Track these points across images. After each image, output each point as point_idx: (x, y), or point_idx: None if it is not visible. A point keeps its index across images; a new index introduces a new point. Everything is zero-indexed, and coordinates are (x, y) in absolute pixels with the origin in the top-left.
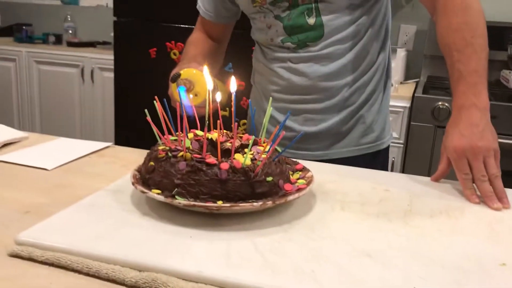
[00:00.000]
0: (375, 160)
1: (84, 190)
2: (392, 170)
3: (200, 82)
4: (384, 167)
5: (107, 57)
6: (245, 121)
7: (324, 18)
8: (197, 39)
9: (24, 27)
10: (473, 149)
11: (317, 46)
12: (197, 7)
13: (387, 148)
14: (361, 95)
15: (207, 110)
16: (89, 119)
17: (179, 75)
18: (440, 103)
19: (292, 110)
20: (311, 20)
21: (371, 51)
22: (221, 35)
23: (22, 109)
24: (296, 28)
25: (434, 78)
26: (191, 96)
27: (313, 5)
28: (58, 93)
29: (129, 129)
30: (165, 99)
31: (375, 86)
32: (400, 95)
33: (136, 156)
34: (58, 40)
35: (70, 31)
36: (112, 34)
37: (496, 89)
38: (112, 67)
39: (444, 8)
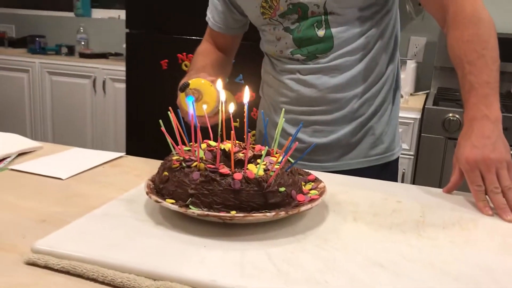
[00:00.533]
0: (385, 171)
1: (98, 199)
2: (402, 182)
3: (208, 92)
4: (393, 179)
5: (119, 68)
6: (254, 131)
7: (334, 30)
8: (205, 49)
9: (37, 39)
10: (485, 161)
11: (327, 58)
12: (206, 18)
13: (396, 160)
14: (370, 107)
15: (220, 120)
16: (100, 130)
17: (187, 84)
18: (450, 114)
19: (302, 121)
20: (321, 32)
21: (380, 63)
22: (229, 46)
23: (34, 119)
24: (305, 40)
25: (445, 90)
26: (204, 106)
27: (323, 17)
28: (70, 103)
29: (140, 140)
30: (178, 110)
31: (384, 97)
32: (410, 107)
33: (149, 167)
34: (71, 51)
35: (83, 43)
36: (124, 45)
37: (507, 101)
38: (124, 78)
39: (455, 20)
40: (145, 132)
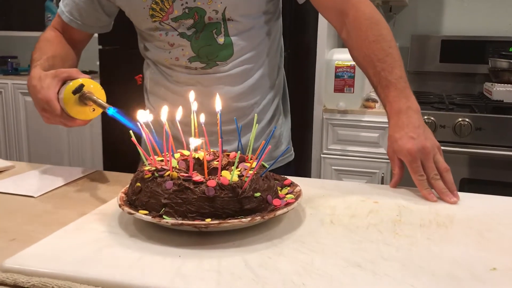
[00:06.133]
0: (288, 171)
1: (71, 215)
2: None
3: (100, 93)
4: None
5: None
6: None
7: (233, 37)
8: (55, 38)
9: (9, 60)
10: (424, 150)
11: (227, 66)
12: (59, 12)
13: (292, 162)
14: (268, 112)
15: (193, 128)
16: (77, 147)
17: (82, 86)
18: (426, 117)
19: (207, 133)
20: (221, 39)
21: (272, 71)
22: (83, 41)
23: (9, 140)
24: (205, 47)
25: (418, 93)
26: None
27: (222, 23)
28: (45, 123)
29: (118, 155)
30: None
31: (278, 104)
32: None
33: (123, 180)
34: None
35: None
36: (97, 62)
37: (480, 102)
38: None
39: (357, 23)
40: (121, 147)
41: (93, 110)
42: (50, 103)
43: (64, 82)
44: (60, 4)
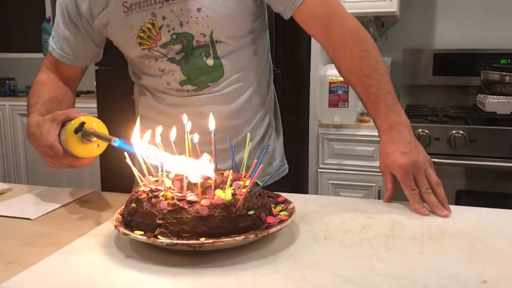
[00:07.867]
0: (283, 186)
1: (68, 237)
2: (379, 199)
3: (103, 130)
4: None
5: (92, 105)
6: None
7: (222, 59)
8: (49, 80)
9: (7, 81)
10: (416, 164)
11: (218, 86)
12: (50, 49)
13: (286, 176)
14: (260, 129)
15: (187, 151)
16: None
17: (83, 123)
18: (420, 130)
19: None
20: (210, 61)
21: (264, 87)
22: (77, 76)
23: (7, 162)
24: (195, 70)
25: (412, 107)
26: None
27: (210, 46)
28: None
29: (115, 175)
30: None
31: (270, 120)
32: None
33: (120, 201)
34: None
35: None
36: (94, 83)
37: (473, 114)
38: (96, 115)
39: (343, 40)
40: (119, 167)
41: (98, 146)
42: (52, 148)
43: (63, 124)
44: (50, 41)
